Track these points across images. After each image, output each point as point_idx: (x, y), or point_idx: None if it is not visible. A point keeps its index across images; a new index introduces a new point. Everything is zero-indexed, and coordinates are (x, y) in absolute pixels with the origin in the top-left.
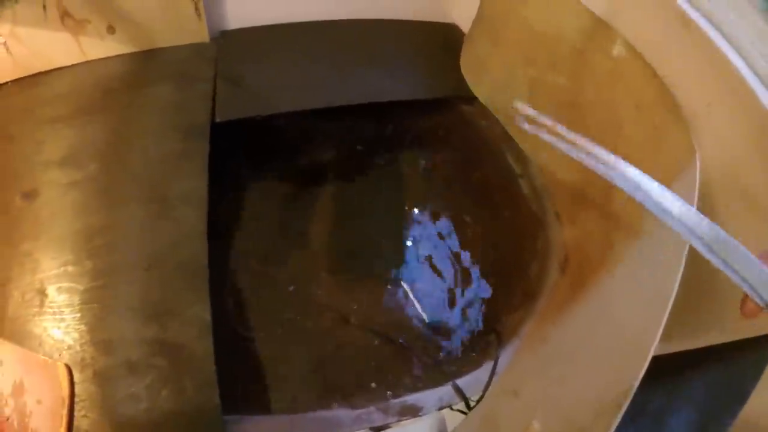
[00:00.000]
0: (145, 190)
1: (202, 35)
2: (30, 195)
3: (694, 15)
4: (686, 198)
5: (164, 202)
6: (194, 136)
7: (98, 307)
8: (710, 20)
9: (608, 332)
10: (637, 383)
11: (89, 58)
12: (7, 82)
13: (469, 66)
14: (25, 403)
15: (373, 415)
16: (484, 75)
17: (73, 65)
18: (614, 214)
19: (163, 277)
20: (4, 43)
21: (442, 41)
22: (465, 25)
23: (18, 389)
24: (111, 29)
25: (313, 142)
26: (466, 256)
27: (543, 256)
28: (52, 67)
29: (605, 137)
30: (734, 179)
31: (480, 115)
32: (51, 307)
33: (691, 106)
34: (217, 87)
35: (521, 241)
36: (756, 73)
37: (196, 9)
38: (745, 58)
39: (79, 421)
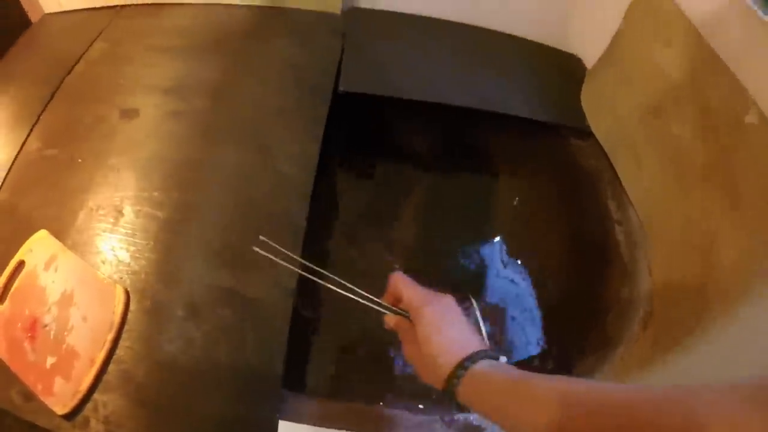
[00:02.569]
0: (250, 137)
1: (334, 5)
2: (129, 113)
3: None
4: None
5: (268, 153)
6: (315, 97)
7: (174, 240)
8: None
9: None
10: None
11: (219, 2)
12: (130, 5)
13: (590, 100)
14: (69, 315)
15: (436, 425)
16: (605, 113)
17: (197, 3)
18: (715, 275)
19: (251, 227)
20: None
21: (563, 69)
22: (587, 59)
23: (66, 299)
24: None
25: (416, 130)
26: (543, 294)
27: (625, 307)
28: (179, 1)
29: (714, 199)
30: None
31: (589, 152)
32: (125, 227)
33: None
34: (344, 58)
35: (605, 287)
36: None
37: None
38: None
39: (122, 351)
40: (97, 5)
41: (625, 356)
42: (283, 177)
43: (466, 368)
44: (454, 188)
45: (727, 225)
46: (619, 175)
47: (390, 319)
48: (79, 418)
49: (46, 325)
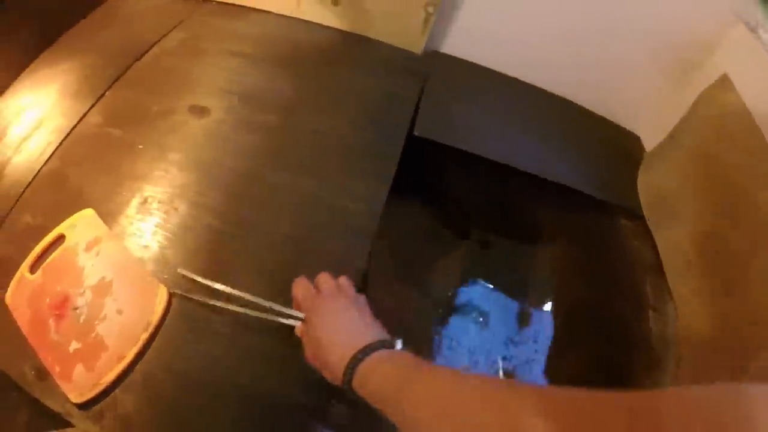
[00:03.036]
0: (316, 164)
1: (417, 46)
2: (198, 111)
3: None
4: None
5: (333, 184)
6: (389, 136)
7: (225, 251)
8: None
9: None
10: None
11: (301, 17)
12: (219, 1)
13: (646, 186)
14: (103, 304)
15: None
16: (660, 202)
17: (279, 14)
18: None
19: (307, 258)
20: None
21: (622, 147)
22: (646, 140)
23: (103, 287)
24: (336, 1)
25: (470, 182)
26: (561, 365)
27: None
28: (262, 8)
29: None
30: None
31: (635, 234)
32: (177, 227)
33: None
34: (422, 103)
35: (628, 374)
36: None
37: (426, 20)
38: None
39: (153, 353)
40: None
41: None
42: (347, 213)
43: (359, 360)
44: (496, 247)
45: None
46: (665, 268)
47: (297, 328)
48: (94, 410)
49: (76, 308)
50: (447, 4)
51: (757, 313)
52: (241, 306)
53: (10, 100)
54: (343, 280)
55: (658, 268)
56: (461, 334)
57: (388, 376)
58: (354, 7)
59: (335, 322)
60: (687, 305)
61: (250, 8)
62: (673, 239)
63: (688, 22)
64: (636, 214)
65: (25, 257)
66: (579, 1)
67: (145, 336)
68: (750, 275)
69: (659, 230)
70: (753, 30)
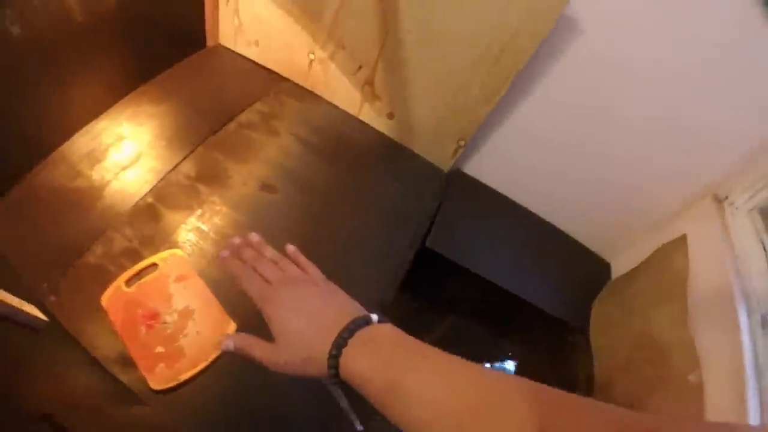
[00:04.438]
0: (346, 253)
1: (445, 165)
2: (267, 188)
3: None
4: None
5: (353, 271)
6: (404, 242)
7: None
8: None
9: None
10: None
11: (359, 117)
12: (290, 80)
13: (597, 317)
14: (186, 325)
15: None
16: (603, 333)
17: (339, 107)
18: None
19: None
20: (310, 61)
21: (595, 273)
22: (615, 269)
23: (187, 312)
24: (390, 116)
25: (462, 289)
26: None
27: None
28: (331, 100)
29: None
30: None
31: (579, 347)
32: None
33: None
34: (437, 217)
35: None
36: None
37: (455, 151)
38: None
39: (216, 370)
40: (265, 64)
41: None
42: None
43: (344, 340)
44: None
45: None
46: (595, 379)
47: (229, 341)
48: (168, 398)
49: (165, 322)
50: (477, 135)
51: None
52: None
53: (111, 123)
54: (306, 263)
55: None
56: None
57: (377, 362)
58: (403, 123)
59: (305, 306)
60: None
61: (316, 95)
62: (606, 357)
63: (664, 189)
64: (585, 332)
65: (119, 272)
66: (583, 154)
67: (215, 354)
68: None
69: (598, 349)
70: (719, 201)
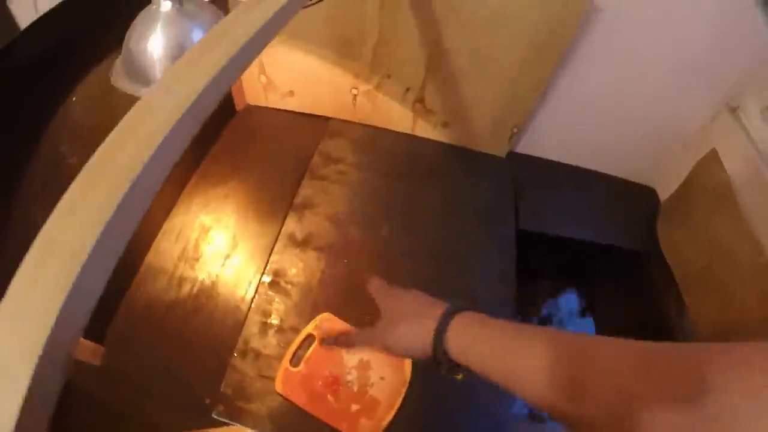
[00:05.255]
0: (455, 261)
1: (501, 151)
2: (367, 225)
3: None
4: None
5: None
6: (504, 228)
7: None
8: None
9: None
10: None
11: (415, 134)
12: (343, 120)
13: (664, 236)
14: (368, 376)
15: None
16: (674, 248)
17: (399, 132)
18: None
19: None
20: (354, 95)
21: (644, 202)
22: (661, 192)
23: (363, 365)
24: (446, 124)
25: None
26: None
27: None
28: (381, 126)
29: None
30: None
31: (659, 266)
32: None
33: None
34: (518, 201)
35: None
36: None
37: (511, 137)
38: None
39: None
40: (306, 110)
41: None
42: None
43: (451, 315)
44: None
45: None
46: (680, 288)
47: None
48: None
49: (348, 382)
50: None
51: (738, 321)
52: None
53: (187, 217)
54: None
55: (677, 292)
56: None
57: (479, 338)
58: (459, 128)
59: (411, 297)
60: (695, 311)
61: (374, 126)
62: (684, 268)
63: (686, 111)
64: (660, 254)
65: (279, 356)
66: (612, 101)
67: (404, 389)
68: (728, 295)
69: (676, 265)
70: (733, 111)
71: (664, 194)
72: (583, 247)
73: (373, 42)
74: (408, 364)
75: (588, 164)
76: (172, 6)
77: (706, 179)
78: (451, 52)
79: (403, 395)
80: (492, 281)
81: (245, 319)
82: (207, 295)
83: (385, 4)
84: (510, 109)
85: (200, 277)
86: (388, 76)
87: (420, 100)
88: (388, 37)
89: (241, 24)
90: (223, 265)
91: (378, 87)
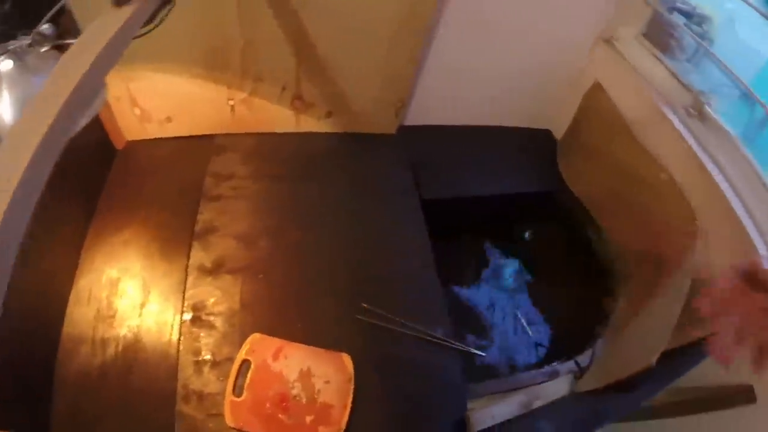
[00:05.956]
0: (369, 239)
1: (391, 128)
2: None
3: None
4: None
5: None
6: (409, 203)
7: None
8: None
9: (643, 335)
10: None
11: (301, 131)
12: (221, 134)
13: (566, 169)
14: (313, 384)
15: (538, 376)
16: (578, 178)
17: (287, 133)
18: (663, 265)
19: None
20: (232, 106)
21: (542, 145)
22: (556, 130)
23: (305, 375)
24: (329, 114)
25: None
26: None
27: (615, 296)
28: (265, 131)
29: (648, 221)
30: None
31: (569, 200)
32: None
33: None
34: (414, 168)
35: (600, 288)
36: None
37: (397, 113)
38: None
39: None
40: (187, 133)
41: (615, 321)
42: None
43: None
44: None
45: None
46: (591, 213)
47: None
48: None
49: (295, 396)
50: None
51: (660, 234)
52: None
53: (93, 274)
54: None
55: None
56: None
57: None
58: (343, 114)
59: None
60: (611, 233)
61: (259, 133)
62: (590, 196)
63: (567, 50)
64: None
65: (220, 390)
66: (495, 61)
67: (351, 385)
68: (641, 214)
69: (583, 195)
70: (609, 42)
71: (559, 133)
72: (496, 201)
73: (240, 45)
74: (347, 358)
75: (482, 121)
76: (14, 64)
77: (595, 110)
78: (317, 41)
79: (352, 391)
80: (410, 253)
81: (177, 363)
82: (133, 349)
83: (241, 3)
84: (389, 86)
85: (122, 334)
86: (261, 80)
87: (298, 97)
88: (252, 37)
89: (70, 72)
90: (141, 315)
91: (253, 92)
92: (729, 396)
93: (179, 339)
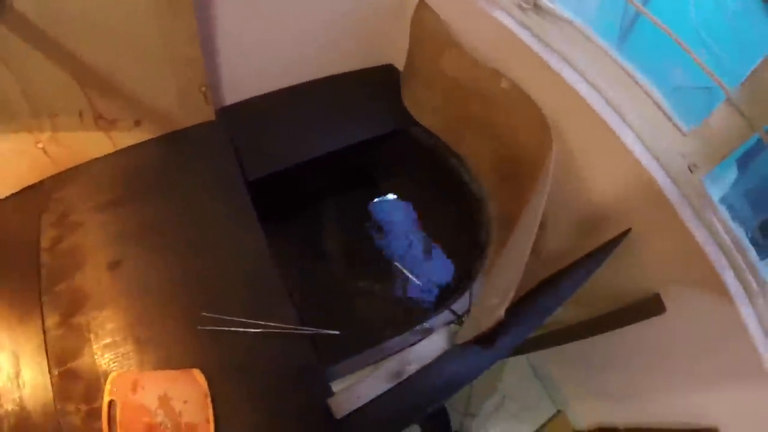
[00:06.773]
0: (201, 238)
1: (209, 115)
2: (113, 266)
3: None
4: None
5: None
6: (235, 195)
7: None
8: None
9: (521, 249)
10: None
11: (119, 147)
12: (45, 180)
13: (410, 103)
14: (173, 407)
15: (410, 338)
16: (423, 109)
17: (105, 155)
18: (526, 185)
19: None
20: (43, 148)
21: (386, 82)
22: (398, 63)
23: (164, 400)
24: (138, 123)
25: (312, 179)
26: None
27: (488, 224)
28: (87, 160)
29: (500, 137)
30: None
31: (421, 132)
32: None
33: None
34: (237, 152)
35: (472, 215)
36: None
37: (205, 97)
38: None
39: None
40: (11, 190)
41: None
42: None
43: None
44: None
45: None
46: (447, 143)
47: None
48: None
49: (161, 423)
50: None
51: (522, 146)
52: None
53: None
54: None
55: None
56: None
57: None
58: (153, 118)
59: None
60: (470, 158)
61: (79, 166)
62: (441, 124)
63: None
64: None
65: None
66: (304, 12)
67: (208, 400)
68: (492, 128)
69: (431, 124)
70: None
71: (402, 64)
72: (341, 156)
73: (18, 90)
74: (198, 373)
75: (315, 75)
76: None
77: (424, 30)
78: (87, 55)
79: (210, 404)
80: (241, 248)
81: (59, 422)
82: (24, 418)
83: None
84: (182, 73)
85: (9, 409)
86: (56, 115)
87: (99, 116)
88: (26, 78)
89: None
90: (18, 385)
91: (54, 128)
92: (639, 308)
93: (54, 397)
